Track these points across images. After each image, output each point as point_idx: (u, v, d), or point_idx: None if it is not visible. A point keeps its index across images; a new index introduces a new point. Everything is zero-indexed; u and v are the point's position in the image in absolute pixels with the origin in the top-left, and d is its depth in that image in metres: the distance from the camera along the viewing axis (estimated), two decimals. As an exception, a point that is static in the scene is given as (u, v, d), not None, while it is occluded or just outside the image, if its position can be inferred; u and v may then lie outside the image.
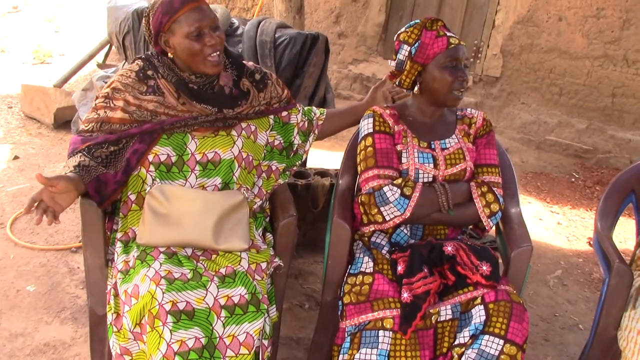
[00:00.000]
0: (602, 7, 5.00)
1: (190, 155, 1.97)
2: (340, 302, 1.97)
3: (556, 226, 4.15)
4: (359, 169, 2.10)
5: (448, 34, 2.06)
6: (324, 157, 4.60)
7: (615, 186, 2.34)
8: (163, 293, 1.67)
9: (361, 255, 2.03)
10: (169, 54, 1.98)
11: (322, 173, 3.23)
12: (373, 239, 2.10)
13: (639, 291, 2.03)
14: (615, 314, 2.02)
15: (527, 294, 3.27)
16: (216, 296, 1.74)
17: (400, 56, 2.11)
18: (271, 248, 2.07)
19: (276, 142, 2.19)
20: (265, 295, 1.85)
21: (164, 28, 1.93)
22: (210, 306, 1.71)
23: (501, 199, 2.08)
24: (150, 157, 1.95)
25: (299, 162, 2.27)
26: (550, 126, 5.39)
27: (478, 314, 1.81)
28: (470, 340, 1.79)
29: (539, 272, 3.52)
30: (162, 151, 1.96)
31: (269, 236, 2.12)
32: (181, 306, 1.67)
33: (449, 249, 1.93)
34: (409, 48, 2.08)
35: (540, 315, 3.11)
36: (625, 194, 2.36)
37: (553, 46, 5.21)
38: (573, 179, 4.98)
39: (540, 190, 4.68)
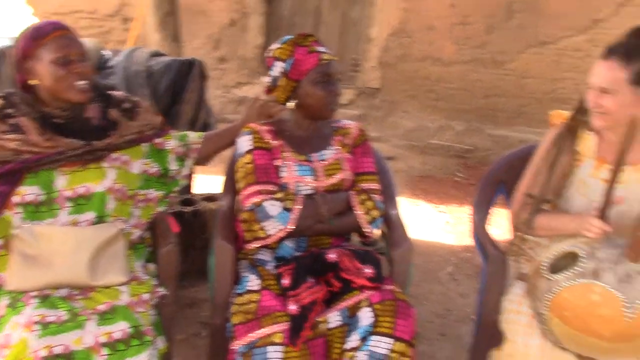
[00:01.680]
0: (467, 15, 5.30)
1: (58, 192, 1.89)
2: (229, 324, 1.95)
3: (445, 225, 4.31)
4: (239, 186, 2.10)
5: (320, 49, 2.09)
6: (212, 181, 4.55)
7: (485, 180, 2.47)
8: (37, 339, 1.59)
9: (247, 274, 2.02)
10: (34, 81, 1.90)
11: (210, 198, 3.20)
12: (258, 256, 2.10)
13: (516, 276, 2.14)
14: (495, 300, 2.11)
15: (420, 292, 3.37)
16: (96, 335, 1.67)
17: (274, 73, 2.13)
18: (155, 278, 2.02)
19: (152, 170, 2.15)
20: (150, 327, 1.80)
21: (30, 53, 1.87)
22: (90, 346, 1.64)
23: (381, 205, 2.14)
24: (16, 199, 1.86)
25: (177, 188, 2.23)
26: (431, 131, 5.62)
27: (366, 316, 1.85)
28: (360, 343, 1.81)
29: (431, 270, 3.64)
30: (28, 191, 1.87)
31: (152, 266, 2.07)
32: (57, 350, 1.59)
33: (331, 256, 1.96)
34: (283, 64, 2.10)
35: (435, 311, 3.21)
36: (495, 186, 2.49)
37: (426, 55, 5.45)
38: (457, 179, 5.20)
39: (428, 193, 4.86)
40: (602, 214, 1.83)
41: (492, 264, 2.11)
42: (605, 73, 1.89)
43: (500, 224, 4.20)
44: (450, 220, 4.37)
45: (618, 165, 1.77)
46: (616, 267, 1.73)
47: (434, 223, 4.34)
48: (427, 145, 5.63)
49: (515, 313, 2.02)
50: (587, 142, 2.06)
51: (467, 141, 5.54)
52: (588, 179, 2.04)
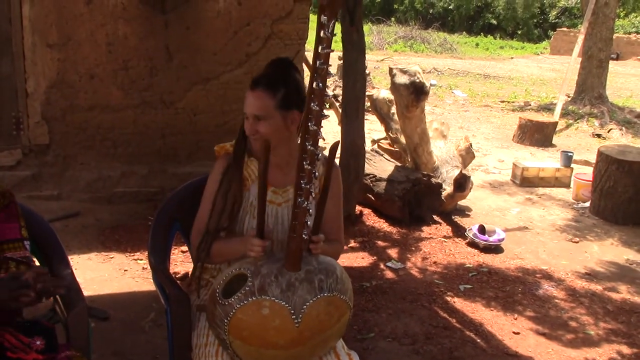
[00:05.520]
0: (127, 59, 5.28)
1: None
2: None
3: (142, 272, 4.22)
4: None
5: None
6: None
7: (158, 221, 2.48)
8: None
9: None
10: None
11: None
12: None
13: (199, 308, 2.18)
14: (184, 338, 2.13)
15: (125, 347, 3.25)
16: None
17: None
18: None
19: None
20: None
21: None
22: None
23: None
24: None
25: None
26: (115, 179, 5.46)
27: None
28: None
29: (134, 321, 3.53)
30: None
31: None
32: None
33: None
34: None
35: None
36: (169, 226, 2.52)
37: (93, 103, 5.29)
38: (150, 222, 5.13)
39: (120, 243, 4.70)
40: (260, 233, 1.97)
41: (173, 303, 2.12)
42: (256, 102, 2.09)
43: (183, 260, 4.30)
44: (146, 266, 4.28)
45: (262, 186, 1.92)
46: (279, 279, 1.87)
47: (131, 272, 4.22)
48: (112, 194, 5.45)
49: (204, 346, 2.06)
50: (251, 167, 2.22)
51: (153, 183, 5.50)
52: (255, 202, 2.18)
